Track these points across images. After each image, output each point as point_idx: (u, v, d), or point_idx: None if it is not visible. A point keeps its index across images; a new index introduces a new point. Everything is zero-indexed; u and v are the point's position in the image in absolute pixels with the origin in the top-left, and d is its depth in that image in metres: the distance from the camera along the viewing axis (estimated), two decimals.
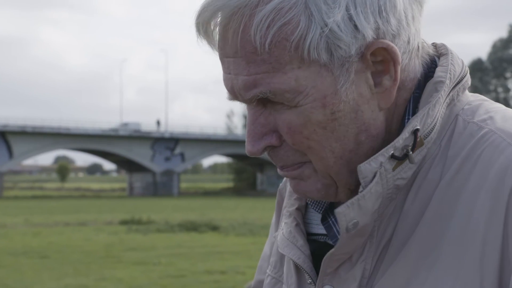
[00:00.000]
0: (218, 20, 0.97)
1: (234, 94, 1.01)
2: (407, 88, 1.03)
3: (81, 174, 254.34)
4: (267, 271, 1.27)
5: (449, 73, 1.04)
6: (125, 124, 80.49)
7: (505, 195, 0.93)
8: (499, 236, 0.92)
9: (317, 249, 1.11)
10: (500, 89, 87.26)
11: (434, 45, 1.11)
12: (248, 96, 0.98)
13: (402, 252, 0.99)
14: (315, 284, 1.09)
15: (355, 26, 0.94)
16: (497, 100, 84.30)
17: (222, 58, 1.00)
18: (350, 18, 0.93)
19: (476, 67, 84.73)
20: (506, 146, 0.97)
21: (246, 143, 1.02)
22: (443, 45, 1.11)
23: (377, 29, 0.95)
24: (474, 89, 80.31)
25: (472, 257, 0.93)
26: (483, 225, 0.93)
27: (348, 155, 1.00)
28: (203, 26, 0.99)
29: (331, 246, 1.05)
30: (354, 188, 1.03)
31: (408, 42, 0.99)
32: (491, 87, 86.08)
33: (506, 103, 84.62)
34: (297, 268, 1.15)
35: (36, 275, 12.47)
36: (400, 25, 0.97)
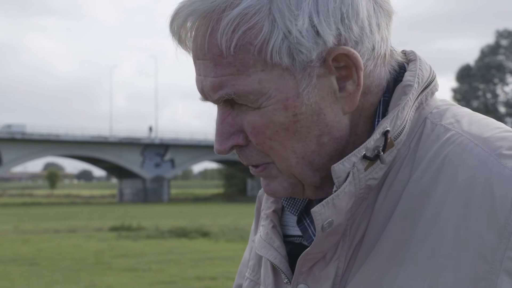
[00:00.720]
0: (189, 24, 1.01)
1: (204, 95, 1.05)
2: (373, 93, 1.06)
3: (75, 181, 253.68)
4: (246, 274, 1.31)
5: (417, 78, 1.08)
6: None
7: (478, 194, 0.95)
8: (476, 234, 0.93)
9: (293, 250, 1.14)
10: (488, 95, 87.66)
11: (404, 52, 1.15)
12: (215, 97, 1.02)
13: (374, 250, 1.02)
14: (290, 283, 1.11)
15: (317, 32, 0.97)
16: (485, 106, 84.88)
17: (194, 60, 1.04)
18: (312, 24, 0.97)
19: (465, 73, 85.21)
20: (474, 147, 1.00)
21: (214, 142, 1.06)
22: (412, 51, 1.14)
23: (339, 35, 0.98)
24: (463, 94, 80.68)
25: (444, 252, 0.95)
26: (455, 222, 0.95)
27: (310, 155, 1.04)
28: (177, 31, 1.03)
29: (306, 247, 1.07)
30: (319, 186, 1.07)
31: (373, 49, 1.02)
32: (480, 93, 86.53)
33: (494, 108, 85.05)
34: (274, 269, 1.19)
35: (25, 282, 12.42)
36: (363, 32, 1.00)
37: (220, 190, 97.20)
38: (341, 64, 1.00)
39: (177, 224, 27.26)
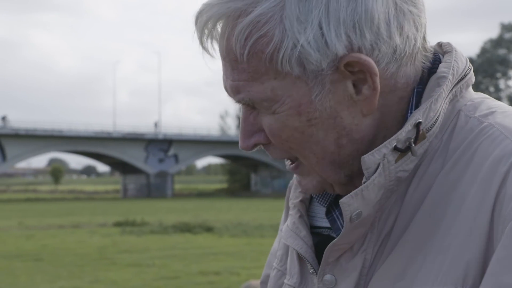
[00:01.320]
0: (210, 26, 1.02)
1: (229, 94, 1.06)
2: (400, 89, 1.05)
3: (77, 177, 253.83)
4: (274, 264, 1.31)
5: (452, 69, 1.07)
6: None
7: (495, 184, 0.95)
8: (486, 222, 0.94)
9: (321, 242, 1.14)
10: (491, 89, 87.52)
11: (440, 44, 1.14)
12: (235, 99, 1.05)
13: (400, 242, 1.02)
14: (316, 274, 1.11)
15: (326, 42, 0.97)
16: None
17: (221, 59, 1.05)
18: (322, 34, 0.97)
19: None
20: (503, 139, 0.99)
21: (239, 139, 1.08)
22: (448, 43, 1.13)
23: (351, 43, 0.98)
24: None
25: (458, 243, 0.95)
26: (473, 212, 0.95)
27: (330, 156, 1.04)
28: (200, 43, 1.04)
29: (334, 239, 1.07)
30: (346, 182, 1.08)
31: (394, 52, 1.01)
32: (482, 87, 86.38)
33: None
34: (300, 258, 1.19)
35: (29, 278, 12.45)
36: (378, 38, 0.99)
37: (224, 185, 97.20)
38: (355, 69, 0.99)
39: (181, 219, 27.28)
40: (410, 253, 1.00)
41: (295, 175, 1.15)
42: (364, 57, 0.98)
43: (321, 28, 0.97)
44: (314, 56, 0.97)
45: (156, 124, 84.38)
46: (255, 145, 1.08)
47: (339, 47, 0.97)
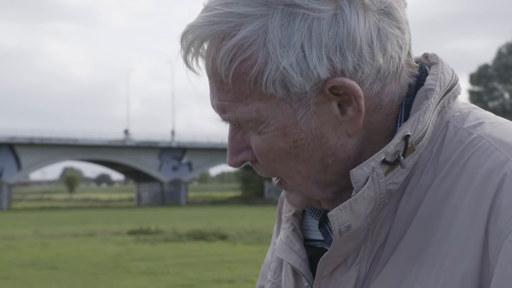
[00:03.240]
0: (196, 45, 1.03)
1: (215, 111, 1.08)
2: (386, 107, 1.05)
3: (93, 185, 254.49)
4: (268, 276, 1.32)
5: (439, 81, 1.07)
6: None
7: (489, 196, 0.95)
8: (481, 234, 0.94)
9: (315, 255, 1.14)
10: (506, 95, 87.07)
11: (426, 55, 1.15)
12: (222, 118, 1.06)
13: (394, 255, 1.02)
14: (311, 287, 1.12)
15: (308, 66, 0.97)
16: (503, 106, 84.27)
17: (208, 78, 1.06)
18: (304, 57, 0.97)
19: (482, 73, 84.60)
20: (493, 151, 0.99)
21: (227, 156, 1.10)
22: (434, 55, 1.14)
23: (333, 66, 0.98)
24: (479, 95, 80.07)
25: (454, 254, 0.95)
26: (467, 225, 0.95)
27: (315, 175, 1.05)
28: (184, 61, 1.05)
29: None
30: (334, 198, 1.08)
31: (378, 72, 1.01)
32: (497, 93, 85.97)
33: None
34: (295, 272, 1.19)
35: (44, 286, 12.50)
36: (361, 60, 0.99)
37: (238, 193, 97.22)
38: (340, 91, 0.99)
39: (195, 227, 27.28)
40: (405, 266, 1.00)
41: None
42: (348, 81, 0.98)
43: (303, 52, 0.97)
44: (297, 80, 0.97)
45: (173, 132, 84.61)
46: (243, 162, 1.08)
47: (321, 71, 0.97)
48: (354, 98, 0.99)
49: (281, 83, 0.98)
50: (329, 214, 1.01)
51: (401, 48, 1.03)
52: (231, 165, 1.09)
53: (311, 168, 1.04)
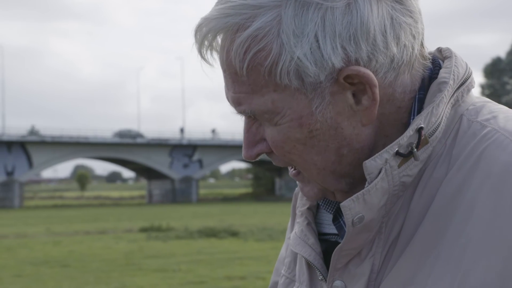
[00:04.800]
0: (210, 38, 1.03)
1: (231, 105, 1.08)
2: (399, 98, 1.05)
3: (105, 183, 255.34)
4: (282, 271, 1.32)
5: (453, 74, 1.07)
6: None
7: (508, 190, 0.95)
8: (505, 229, 0.93)
9: (329, 248, 1.14)
10: None
11: (439, 49, 1.15)
12: (237, 111, 1.06)
13: (408, 248, 1.02)
14: (326, 281, 1.12)
15: (322, 56, 0.98)
16: None
17: (222, 71, 1.07)
18: (318, 47, 0.97)
19: (494, 67, 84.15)
20: (509, 144, 0.99)
21: (242, 149, 1.10)
22: (448, 48, 1.14)
23: (347, 55, 0.98)
24: (493, 89, 79.73)
25: (474, 249, 0.95)
26: (487, 219, 0.95)
27: (331, 166, 1.06)
28: (199, 53, 1.05)
29: None
30: (348, 190, 1.09)
31: (392, 61, 1.01)
32: (509, 87, 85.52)
33: None
34: (309, 266, 1.20)
35: (57, 284, 12.55)
36: (375, 49, 0.99)
37: (249, 190, 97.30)
38: (354, 81, 1.00)
39: (206, 224, 27.35)
40: (419, 258, 1.00)
41: (298, 184, 1.16)
42: (362, 69, 0.99)
43: (317, 41, 0.97)
44: (311, 69, 0.98)
45: (182, 130, 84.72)
46: (258, 154, 1.09)
47: (336, 60, 0.98)
48: (369, 86, 1.00)
49: (296, 73, 0.99)
50: (341, 204, 1.02)
51: (414, 37, 1.03)
52: (247, 157, 1.09)
53: (327, 159, 1.04)
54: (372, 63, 1.00)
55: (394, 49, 1.01)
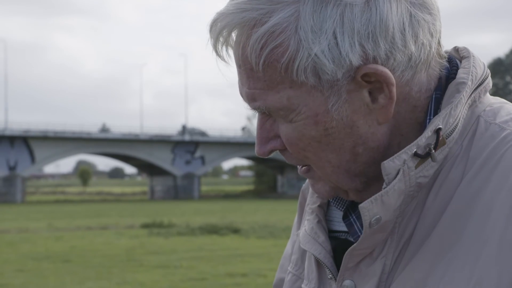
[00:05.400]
0: (225, 34, 1.02)
1: (245, 101, 1.07)
2: (415, 97, 1.04)
3: (107, 179, 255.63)
4: (288, 268, 1.31)
5: (471, 75, 1.06)
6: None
7: None
8: None
9: (338, 246, 1.14)
10: None
11: (457, 48, 1.13)
12: (252, 107, 1.05)
13: (422, 249, 1.01)
14: (335, 279, 1.11)
15: (340, 53, 0.97)
16: None
17: (236, 66, 1.05)
18: (336, 44, 0.96)
19: (496, 67, 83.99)
20: None
21: (255, 145, 1.09)
22: (465, 48, 1.12)
23: (365, 54, 0.98)
24: (495, 89, 79.59)
25: (489, 253, 0.94)
26: (502, 223, 0.94)
27: (345, 164, 1.04)
28: (214, 49, 1.04)
29: (352, 243, 1.08)
30: (362, 189, 1.08)
31: (409, 60, 1.01)
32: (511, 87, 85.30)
33: None
34: (318, 264, 1.18)
35: (58, 279, 12.56)
36: (393, 47, 0.98)
37: (250, 187, 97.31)
38: (372, 79, 0.99)
39: (208, 221, 27.35)
40: (432, 260, 0.99)
41: (309, 181, 1.14)
42: (380, 68, 0.98)
43: (335, 38, 0.96)
44: (329, 67, 0.97)
45: (183, 128, 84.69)
46: (271, 151, 1.08)
47: (354, 58, 0.97)
48: (386, 85, 0.99)
49: (313, 71, 0.98)
50: (360, 206, 1.01)
51: (432, 35, 1.02)
52: (260, 154, 1.08)
53: (341, 157, 1.03)
54: (390, 61, 0.99)
55: (412, 47, 1.00)
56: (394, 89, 1.00)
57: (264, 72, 1.00)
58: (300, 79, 0.98)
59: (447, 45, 1.14)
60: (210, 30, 1.03)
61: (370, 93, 1.00)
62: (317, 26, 0.96)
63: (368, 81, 0.99)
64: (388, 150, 1.04)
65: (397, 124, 1.04)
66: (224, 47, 1.03)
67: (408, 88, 1.03)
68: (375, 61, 0.98)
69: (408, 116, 1.05)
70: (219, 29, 1.01)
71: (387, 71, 0.98)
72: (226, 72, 1.07)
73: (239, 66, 1.03)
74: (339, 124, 1.01)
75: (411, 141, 1.03)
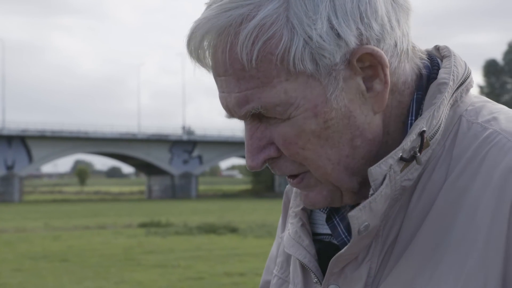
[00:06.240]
0: (207, 42, 1.00)
1: (230, 112, 1.03)
2: (400, 90, 1.04)
3: (104, 178, 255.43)
4: (274, 271, 1.29)
5: (452, 75, 1.06)
6: None
7: (509, 195, 0.94)
8: (503, 234, 0.93)
9: (322, 249, 1.13)
10: None
11: (437, 47, 1.13)
12: (242, 112, 1.01)
13: (407, 251, 1.00)
14: (321, 284, 1.10)
15: (338, 35, 0.96)
16: None
17: (215, 77, 1.03)
18: (332, 27, 0.96)
19: (491, 68, 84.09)
20: (511, 147, 0.98)
21: (246, 158, 1.05)
22: (446, 47, 1.12)
23: (360, 35, 0.97)
24: (491, 89, 79.68)
25: (475, 254, 0.94)
26: (487, 223, 0.94)
27: (345, 160, 1.02)
28: (195, 51, 1.01)
29: (336, 246, 1.08)
30: (357, 191, 1.06)
31: (395, 46, 1.01)
32: (509, 86, 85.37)
33: None
34: (303, 268, 1.17)
35: (56, 279, 12.55)
36: (383, 29, 0.99)
37: (248, 186, 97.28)
38: (366, 64, 0.99)
39: (206, 220, 27.33)
40: (419, 262, 0.98)
41: (301, 194, 1.11)
42: (376, 48, 0.98)
43: (330, 22, 0.96)
44: (328, 49, 0.96)
45: (184, 128, 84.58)
46: (265, 162, 1.04)
47: (351, 38, 0.96)
48: (382, 68, 0.99)
49: (310, 57, 0.96)
50: (349, 214, 0.99)
51: (408, 27, 1.03)
52: (253, 166, 1.04)
53: (341, 152, 1.01)
54: (381, 44, 0.99)
55: (398, 32, 1.00)
56: (388, 72, 0.99)
57: (258, 68, 0.97)
58: (298, 68, 0.96)
59: (444, 44, 1.14)
60: (189, 41, 1.01)
61: (364, 81, 1.00)
62: (311, 11, 0.95)
63: (362, 67, 0.99)
64: (381, 148, 1.04)
65: (386, 119, 1.04)
66: (208, 52, 1.01)
67: (396, 78, 1.03)
68: (368, 43, 0.98)
69: (395, 112, 1.04)
70: (201, 35, 0.99)
71: (382, 52, 0.98)
72: (207, 77, 1.04)
73: (225, 72, 0.99)
74: (338, 115, 0.99)
75: (396, 140, 1.03)
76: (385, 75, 0.99)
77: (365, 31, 0.97)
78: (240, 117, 1.03)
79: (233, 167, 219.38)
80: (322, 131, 1.00)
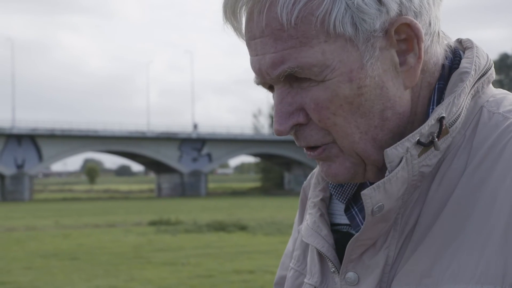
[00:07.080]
0: (241, 4, 1.00)
1: (262, 75, 1.03)
2: (430, 71, 1.06)
3: (114, 176, 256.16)
4: (290, 264, 1.30)
5: (474, 65, 1.06)
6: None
7: None
8: None
9: (340, 239, 1.13)
10: None
11: (459, 40, 1.14)
12: (275, 73, 1.01)
13: (426, 239, 1.00)
14: (338, 273, 1.10)
15: (380, 0, 0.97)
16: None
17: (249, 41, 1.03)
18: None
19: (502, 62, 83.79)
20: None
21: (274, 123, 1.04)
22: (468, 39, 1.13)
23: (401, 4, 0.98)
24: (500, 84, 79.36)
25: (495, 240, 0.94)
26: (507, 210, 0.94)
27: (373, 130, 1.02)
28: (230, 9, 1.02)
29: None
30: (381, 167, 1.05)
31: (430, 25, 1.02)
32: None
33: None
34: (321, 257, 1.17)
35: (66, 276, 12.60)
36: (422, 4, 1.00)
37: (257, 184, 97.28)
38: (402, 36, 0.99)
39: (215, 218, 27.36)
40: (437, 250, 0.99)
41: (311, 178, 1.11)
42: (415, 20, 0.99)
43: None
44: (369, 13, 0.96)
45: (195, 126, 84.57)
46: (292, 128, 1.04)
47: (393, 6, 0.97)
48: (417, 41, 0.99)
49: (351, 20, 0.97)
50: (362, 193, 1.00)
51: (440, 13, 1.05)
52: (280, 131, 1.03)
53: (370, 122, 1.01)
54: (418, 19, 1.00)
55: (433, 12, 1.02)
56: (423, 47, 1.00)
57: (297, 28, 0.97)
58: (337, 31, 0.97)
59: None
60: (226, 3, 1.02)
61: (397, 55, 1.01)
62: None
63: (398, 39, 0.99)
64: (407, 126, 1.04)
65: (414, 99, 1.05)
66: (243, 15, 1.02)
67: (427, 57, 1.04)
68: (406, 15, 0.99)
69: (423, 94, 1.05)
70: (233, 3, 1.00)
71: (420, 25, 0.99)
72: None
73: (261, 33, 1.00)
74: (372, 83, 0.99)
75: (422, 122, 1.04)
76: (419, 49, 1.00)
77: (406, 1, 0.98)
78: (272, 80, 1.03)
79: (242, 165, 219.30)
80: (355, 98, 1.00)
